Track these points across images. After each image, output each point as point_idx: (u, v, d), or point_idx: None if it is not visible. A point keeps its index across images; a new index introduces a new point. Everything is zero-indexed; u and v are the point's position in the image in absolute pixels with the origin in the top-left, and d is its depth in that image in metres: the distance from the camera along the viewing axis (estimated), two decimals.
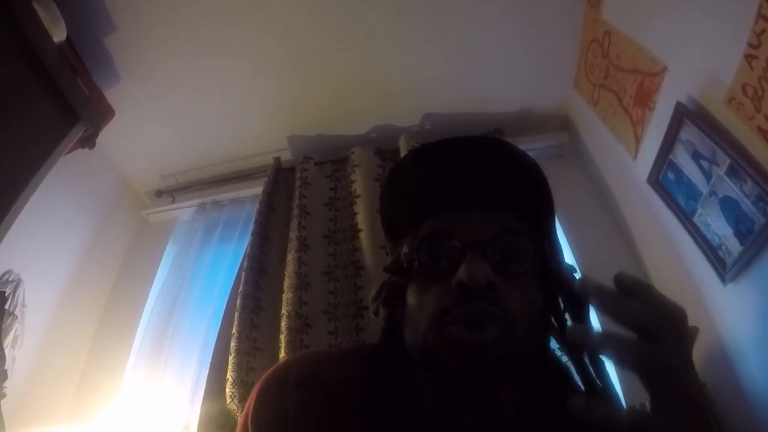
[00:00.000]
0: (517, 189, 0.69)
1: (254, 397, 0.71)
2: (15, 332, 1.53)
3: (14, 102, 1.40)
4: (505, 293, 0.61)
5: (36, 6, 1.50)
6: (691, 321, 1.32)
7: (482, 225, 0.65)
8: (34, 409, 1.62)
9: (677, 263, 1.39)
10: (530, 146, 1.98)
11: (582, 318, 0.67)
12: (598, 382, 0.65)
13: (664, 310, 0.48)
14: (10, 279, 1.57)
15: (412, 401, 0.66)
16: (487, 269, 0.60)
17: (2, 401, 1.45)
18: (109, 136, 1.94)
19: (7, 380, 1.50)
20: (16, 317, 1.54)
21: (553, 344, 0.71)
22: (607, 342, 0.45)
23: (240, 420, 0.73)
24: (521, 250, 0.65)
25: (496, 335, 0.59)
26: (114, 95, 1.89)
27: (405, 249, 0.71)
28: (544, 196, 0.73)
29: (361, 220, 1.74)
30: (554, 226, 0.75)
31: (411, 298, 0.67)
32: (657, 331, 0.45)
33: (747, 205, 1.07)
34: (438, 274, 0.64)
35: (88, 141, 1.71)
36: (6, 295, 1.54)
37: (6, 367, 1.50)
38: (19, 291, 1.58)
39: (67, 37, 1.65)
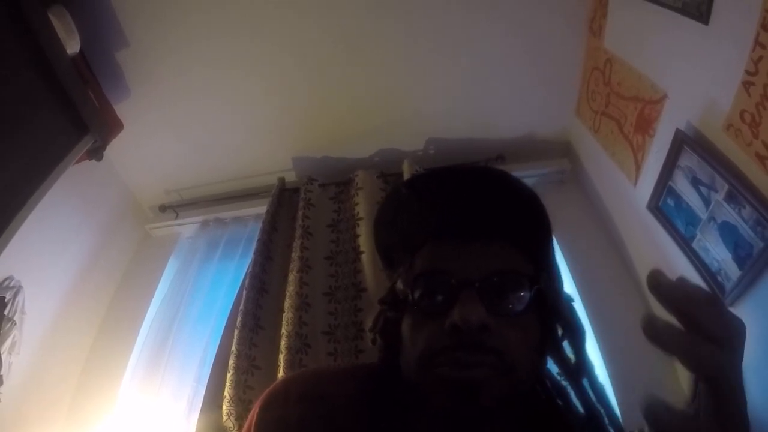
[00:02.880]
0: (514, 219, 0.68)
1: (257, 410, 0.73)
2: (13, 338, 1.53)
3: (26, 110, 1.42)
4: (499, 334, 0.60)
5: (52, 17, 1.53)
6: None
7: (478, 261, 0.64)
8: (28, 418, 1.60)
9: None
10: (532, 172, 2.01)
11: (579, 346, 0.68)
12: (598, 406, 0.66)
13: (734, 320, 0.45)
14: (10, 285, 1.57)
15: (408, 421, 0.67)
16: (480, 311, 0.59)
17: None
18: (116, 149, 1.96)
19: (2, 386, 1.49)
20: (15, 323, 1.54)
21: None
22: (686, 345, 0.43)
23: None
24: (517, 287, 0.64)
25: (488, 374, 0.59)
26: (123, 109, 1.92)
27: (400, 284, 0.70)
28: (543, 226, 0.71)
29: (363, 242, 1.75)
30: (553, 255, 0.74)
31: (405, 333, 0.67)
32: (728, 341, 0.44)
33: (746, 230, 1.08)
34: (432, 310, 0.64)
35: (96, 153, 1.73)
36: (6, 300, 1.54)
37: (2, 373, 1.49)
38: (19, 297, 1.58)
39: (81, 49, 1.69)
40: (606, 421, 0.66)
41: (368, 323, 0.78)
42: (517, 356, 0.61)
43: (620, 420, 0.67)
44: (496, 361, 0.59)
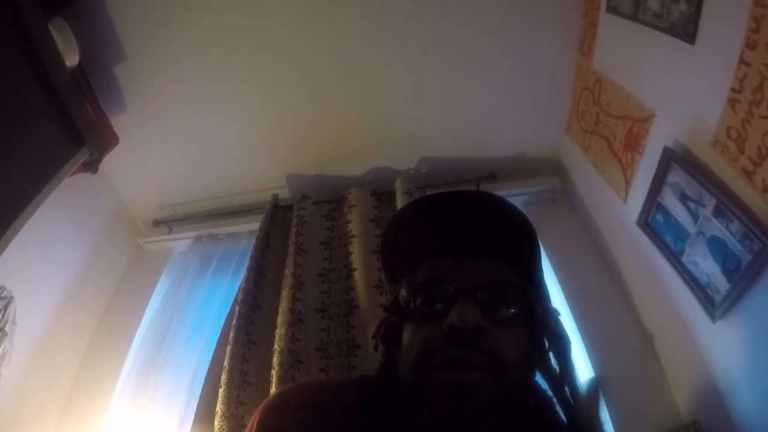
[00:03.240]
0: (506, 239, 0.75)
1: (256, 419, 0.75)
2: (3, 349, 1.50)
3: (23, 121, 1.42)
4: (493, 336, 0.66)
5: (52, 29, 1.54)
6: (682, 359, 1.35)
7: (474, 273, 0.71)
8: (18, 430, 1.58)
9: (667, 302, 1.41)
10: (523, 191, 2.03)
11: (564, 357, 0.74)
12: (581, 416, 0.72)
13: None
14: (2, 295, 1.55)
15: (405, 429, 0.69)
16: (476, 313, 0.65)
17: None
18: (111, 162, 1.97)
19: None
20: (6, 334, 1.52)
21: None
22: None
23: None
24: (509, 296, 0.71)
25: (483, 377, 0.63)
26: (119, 123, 1.93)
27: (403, 292, 0.76)
28: (532, 245, 0.79)
29: (356, 259, 1.75)
30: (541, 273, 0.82)
31: (406, 336, 0.72)
32: None
33: (734, 244, 1.09)
34: (431, 316, 0.69)
35: (91, 166, 1.73)
36: None
37: None
38: (11, 308, 1.56)
39: (79, 62, 1.70)
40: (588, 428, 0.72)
41: (370, 334, 0.83)
42: (508, 358, 0.66)
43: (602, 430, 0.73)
44: (490, 362, 0.64)
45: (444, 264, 0.73)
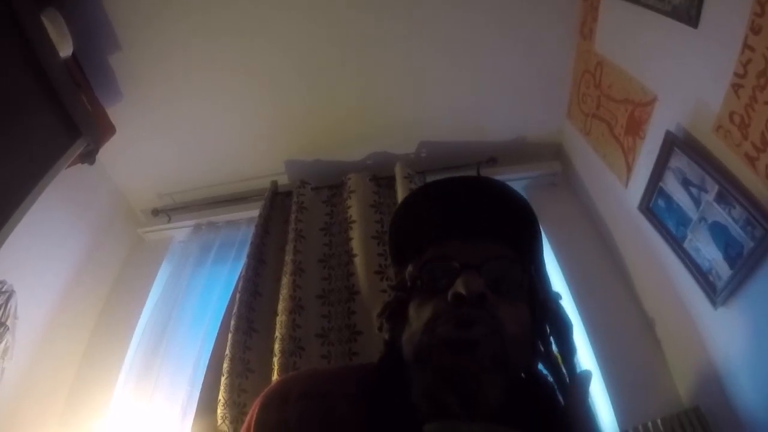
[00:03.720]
0: (509, 224, 0.77)
1: (256, 410, 0.75)
2: (5, 343, 1.51)
3: (18, 114, 1.41)
4: (496, 304, 0.67)
5: (44, 20, 1.52)
6: (683, 345, 1.35)
7: (478, 251, 0.72)
8: (22, 423, 1.59)
9: (668, 288, 1.41)
10: (524, 175, 2.03)
11: (565, 341, 0.74)
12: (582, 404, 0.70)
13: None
14: (3, 289, 1.55)
15: (409, 415, 0.68)
16: (479, 282, 0.67)
17: None
18: (108, 152, 1.95)
19: None
20: (8, 328, 1.52)
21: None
22: None
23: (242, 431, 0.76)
24: (512, 274, 0.72)
25: (485, 333, 0.65)
26: (115, 112, 1.91)
27: (410, 269, 0.78)
28: (533, 231, 0.81)
29: (356, 245, 1.75)
30: (542, 257, 0.84)
31: (412, 312, 0.73)
32: None
33: (736, 230, 1.09)
34: (436, 290, 0.70)
35: (89, 156, 1.72)
36: None
37: None
38: (12, 302, 1.56)
39: (73, 52, 1.68)
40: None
41: (374, 315, 0.84)
42: (509, 326, 0.67)
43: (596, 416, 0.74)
44: (491, 322, 0.66)
45: (450, 245, 0.74)
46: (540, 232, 0.83)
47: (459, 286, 0.67)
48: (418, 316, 0.71)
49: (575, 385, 0.69)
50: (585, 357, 1.52)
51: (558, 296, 0.79)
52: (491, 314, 0.66)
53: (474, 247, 0.73)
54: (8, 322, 1.53)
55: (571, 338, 0.75)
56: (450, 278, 0.69)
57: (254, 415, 0.74)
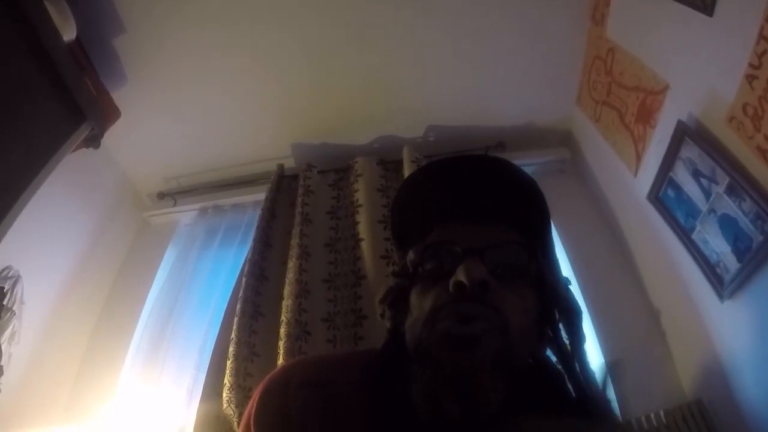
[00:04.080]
0: (516, 205, 0.73)
1: (257, 398, 0.74)
2: (12, 329, 1.53)
3: (22, 98, 1.41)
4: (499, 294, 0.65)
5: (47, 4, 1.51)
6: (688, 337, 1.34)
7: (483, 235, 0.69)
8: (29, 407, 1.61)
9: (675, 279, 1.40)
10: (532, 161, 2.01)
11: (574, 328, 0.72)
12: (589, 391, 0.70)
13: None
14: (9, 275, 1.57)
15: (411, 403, 0.67)
16: (482, 269, 0.65)
17: None
18: (114, 136, 1.94)
19: (2, 376, 1.49)
20: (14, 313, 1.53)
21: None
22: None
23: (242, 421, 0.75)
24: (517, 258, 0.69)
25: (486, 329, 0.62)
26: (120, 96, 1.91)
27: (411, 255, 0.76)
28: (542, 213, 0.77)
29: (363, 229, 1.74)
30: (551, 241, 0.79)
31: (413, 299, 0.71)
32: None
33: (745, 223, 1.08)
34: (439, 276, 0.68)
35: (94, 141, 1.72)
36: (5, 290, 1.54)
37: (2, 363, 1.49)
38: (18, 287, 1.58)
39: (77, 36, 1.67)
40: (596, 406, 0.69)
41: (377, 300, 0.82)
42: (513, 318, 0.65)
43: (611, 406, 0.72)
44: (493, 317, 0.63)
45: (453, 227, 0.72)
46: (548, 214, 0.78)
47: (460, 274, 0.64)
48: (419, 304, 0.69)
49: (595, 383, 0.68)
50: (590, 345, 1.52)
51: (567, 281, 0.77)
52: (494, 307, 0.64)
53: (478, 230, 0.70)
54: (15, 307, 1.55)
55: (580, 325, 0.73)
56: (452, 263, 0.67)
57: (255, 403, 0.73)
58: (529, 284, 0.70)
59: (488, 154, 0.72)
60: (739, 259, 1.11)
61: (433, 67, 1.95)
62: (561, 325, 0.73)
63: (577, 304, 0.74)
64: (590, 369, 0.72)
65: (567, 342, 0.72)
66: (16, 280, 1.58)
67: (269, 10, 1.81)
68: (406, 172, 1.85)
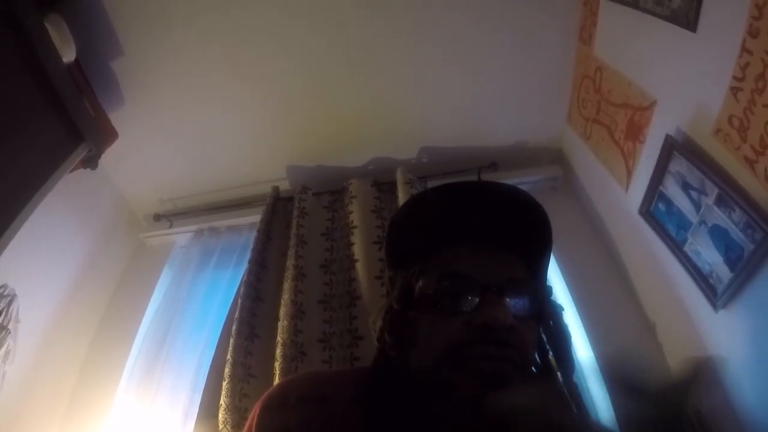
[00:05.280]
0: (523, 233, 0.75)
1: (257, 414, 0.75)
2: (7, 347, 1.51)
3: (21, 118, 1.42)
4: (519, 334, 0.68)
5: (48, 25, 1.53)
6: (684, 348, 1.34)
7: (495, 267, 0.72)
8: (23, 426, 1.59)
9: (669, 292, 1.41)
10: (524, 180, 2.03)
11: (564, 351, 0.76)
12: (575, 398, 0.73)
13: None
14: (5, 293, 1.56)
15: (407, 421, 0.68)
16: (508, 314, 0.67)
17: None
18: (111, 158, 1.96)
19: None
20: (9, 332, 1.52)
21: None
22: None
23: None
24: (530, 295, 0.72)
25: (511, 370, 0.66)
26: (118, 118, 1.92)
27: (420, 283, 0.74)
28: (547, 243, 0.79)
29: (358, 250, 1.75)
30: (548, 265, 0.82)
31: (425, 329, 0.72)
32: None
33: (736, 233, 1.09)
34: (457, 310, 0.69)
35: (91, 162, 1.73)
36: (0, 309, 1.53)
37: None
38: (14, 306, 1.57)
39: (76, 58, 1.69)
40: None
41: (371, 322, 0.83)
42: (530, 354, 0.70)
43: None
44: (517, 356, 0.67)
45: (463, 255, 0.73)
46: (551, 244, 0.81)
47: (488, 317, 0.66)
48: (435, 337, 0.70)
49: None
50: (586, 361, 1.52)
51: (560, 307, 0.79)
52: (517, 347, 0.67)
53: (493, 261, 0.72)
54: (10, 326, 1.53)
55: (572, 352, 0.76)
56: (471, 298, 0.68)
57: (255, 418, 0.74)
58: (533, 314, 0.72)
59: (500, 182, 0.73)
60: (732, 269, 1.12)
61: (426, 90, 1.99)
62: (549, 348, 0.77)
63: (569, 331, 0.77)
64: (581, 395, 0.75)
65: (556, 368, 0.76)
66: (12, 298, 1.57)
67: (265, 33, 1.84)
68: (400, 193, 1.87)
